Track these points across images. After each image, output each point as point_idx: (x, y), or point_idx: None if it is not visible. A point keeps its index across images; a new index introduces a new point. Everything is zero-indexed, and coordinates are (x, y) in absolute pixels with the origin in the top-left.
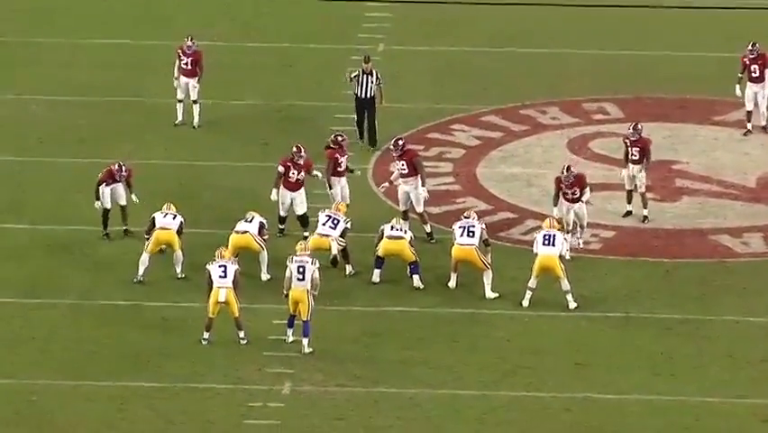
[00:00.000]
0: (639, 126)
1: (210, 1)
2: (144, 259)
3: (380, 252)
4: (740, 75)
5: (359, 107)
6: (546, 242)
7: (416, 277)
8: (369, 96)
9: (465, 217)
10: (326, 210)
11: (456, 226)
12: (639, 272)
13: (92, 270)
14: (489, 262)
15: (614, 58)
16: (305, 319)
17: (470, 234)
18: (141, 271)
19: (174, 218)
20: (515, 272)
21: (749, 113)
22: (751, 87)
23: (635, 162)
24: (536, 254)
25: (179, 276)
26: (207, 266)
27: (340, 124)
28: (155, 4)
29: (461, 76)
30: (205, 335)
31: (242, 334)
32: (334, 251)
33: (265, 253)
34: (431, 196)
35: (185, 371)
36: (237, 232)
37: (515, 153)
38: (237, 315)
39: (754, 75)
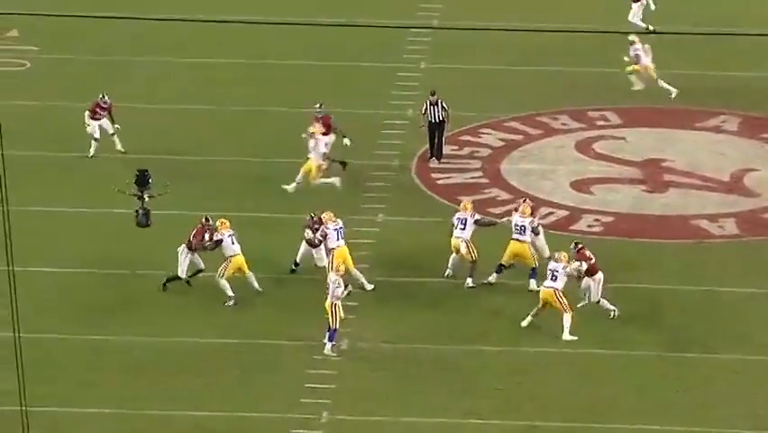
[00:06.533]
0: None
1: (275, 28)
2: (225, 285)
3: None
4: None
5: (431, 130)
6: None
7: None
8: (438, 120)
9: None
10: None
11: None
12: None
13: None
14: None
15: (615, 74)
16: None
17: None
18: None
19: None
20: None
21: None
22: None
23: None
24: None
25: (260, 290)
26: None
27: (389, 129)
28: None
29: (489, 89)
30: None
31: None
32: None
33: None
34: (463, 187)
35: (262, 329)
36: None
37: (532, 153)
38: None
39: None
